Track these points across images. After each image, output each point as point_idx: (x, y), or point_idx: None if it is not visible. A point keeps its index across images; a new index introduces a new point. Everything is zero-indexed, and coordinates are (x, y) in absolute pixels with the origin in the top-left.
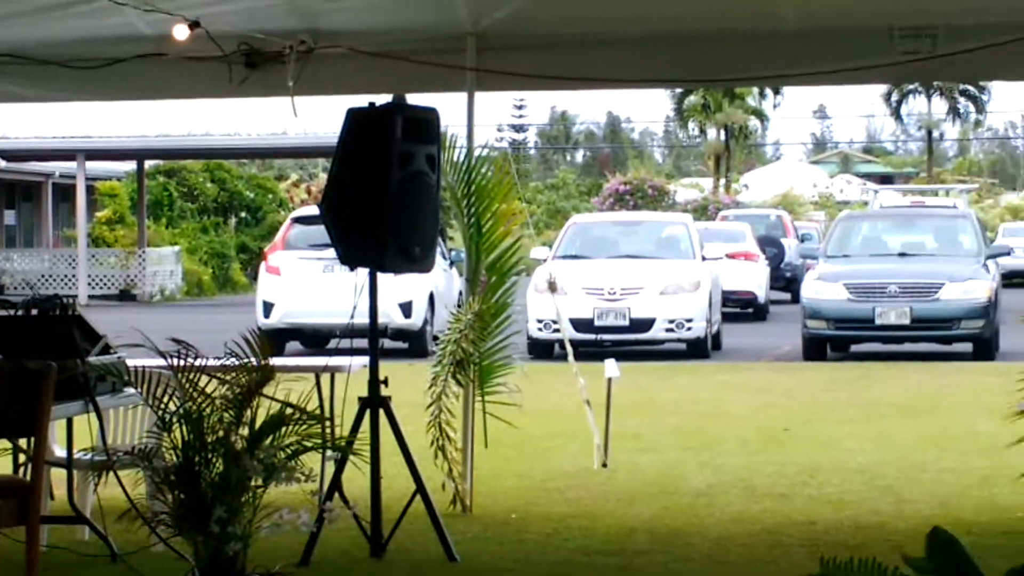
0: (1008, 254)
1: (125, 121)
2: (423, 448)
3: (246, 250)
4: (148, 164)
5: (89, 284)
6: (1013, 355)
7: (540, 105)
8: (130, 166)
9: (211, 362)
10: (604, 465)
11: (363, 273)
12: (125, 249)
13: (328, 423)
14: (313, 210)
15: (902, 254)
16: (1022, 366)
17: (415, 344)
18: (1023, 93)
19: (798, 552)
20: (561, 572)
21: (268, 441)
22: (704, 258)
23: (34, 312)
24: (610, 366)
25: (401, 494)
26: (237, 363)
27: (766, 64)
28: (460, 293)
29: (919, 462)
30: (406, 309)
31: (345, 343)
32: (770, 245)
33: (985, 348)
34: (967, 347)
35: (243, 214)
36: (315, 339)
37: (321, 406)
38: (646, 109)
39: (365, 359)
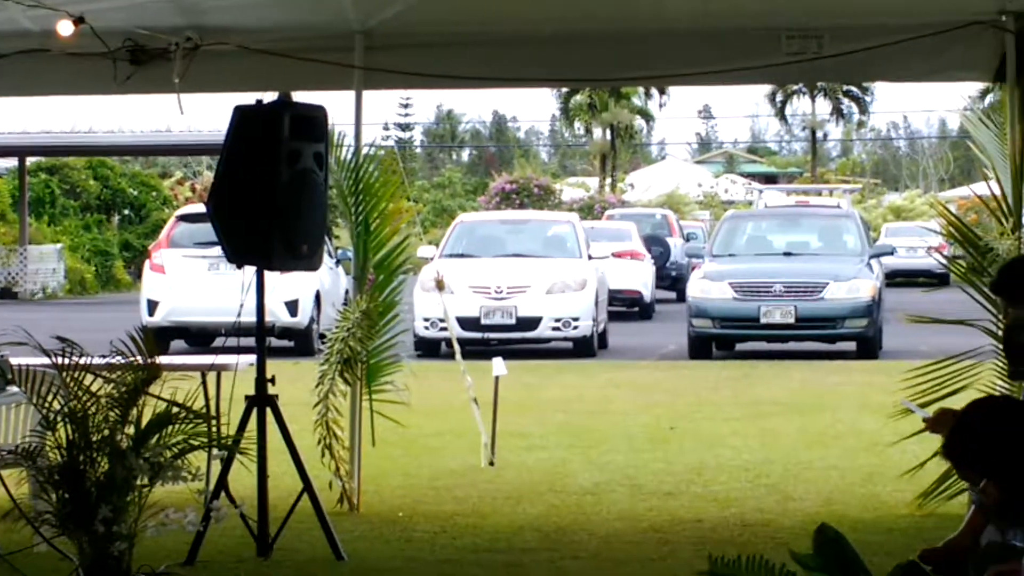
0: (891, 253)
1: (7, 117)
2: (310, 447)
3: (130, 248)
4: (30, 161)
5: None
6: (896, 354)
7: (426, 104)
8: (11, 163)
9: (96, 360)
10: (491, 463)
11: (250, 271)
12: (6, 247)
13: (214, 422)
14: (198, 208)
15: (787, 253)
16: (905, 365)
17: (301, 342)
18: (906, 94)
19: (685, 550)
20: (449, 570)
21: (154, 440)
22: (590, 257)
23: None
24: (497, 364)
25: (288, 493)
26: (123, 361)
27: (652, 64)
28: (347, 291)
29: (804, 460)
30: (292, 307)
31: (231, 341)
32: (656, 244)
33: (869, 347)
34: (851, 346)
35: (127, 212)
36: (201, 337)
37: (207, 405)
38: (532, 108)
39: (252, 357)
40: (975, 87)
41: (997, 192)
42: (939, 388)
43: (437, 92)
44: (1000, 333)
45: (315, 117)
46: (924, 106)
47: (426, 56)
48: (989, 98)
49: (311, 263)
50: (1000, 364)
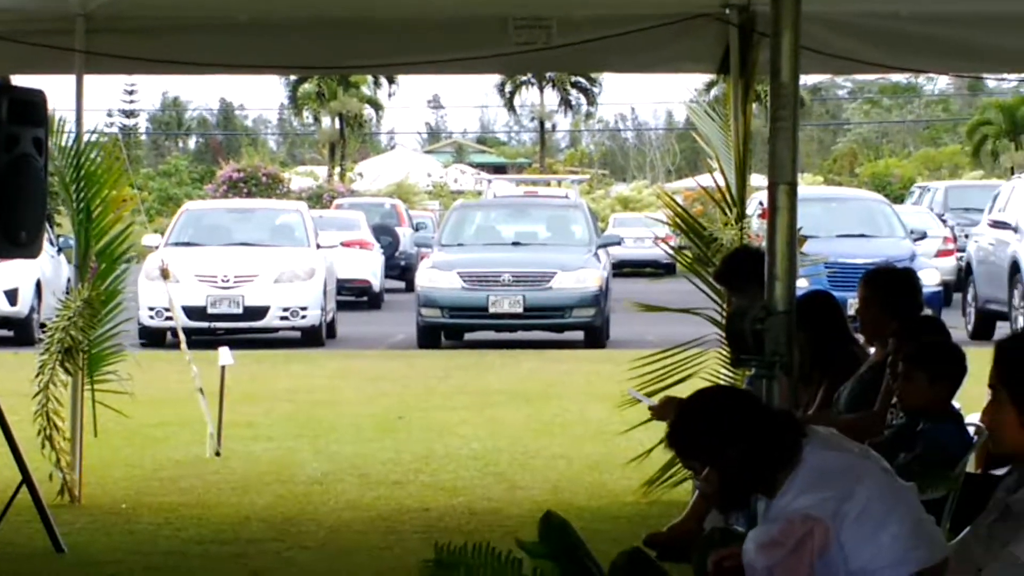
0: (618, 244)
1: None
2: (30, 438)
3: None
4: None
5: None
6: (623, 343)
7: (151, 90)
8: None
9: None
10: (217, 454)
11: None
12: None
13: None
14: None
15: (515, 243)
16: (632, 354)
17: (21, 332)
18: (633, 86)
19: (413, 538)
20: (173, 562)
21: None
22: (319, 246)
23: None
24: (224, 354)
25: (6, 485)
26: None
27: (381, 52)
28: (69, 280)
29: (532, 448)
30: (11, 296)
31: None
32: (384, 234)
33: (596, 336)
34: (579, 335)
35: None
36: None
37: None
38: (260, 96)
39: None
40: (701, 79)
41: (721, 183)
42: (665, 377)
43: (162, 78)
44: (724, 322)
45: (34, 101)
46: (651, 98)
47: (150, 41)
48: (715, 90)
49: (31, 251)
50: (724, 352)
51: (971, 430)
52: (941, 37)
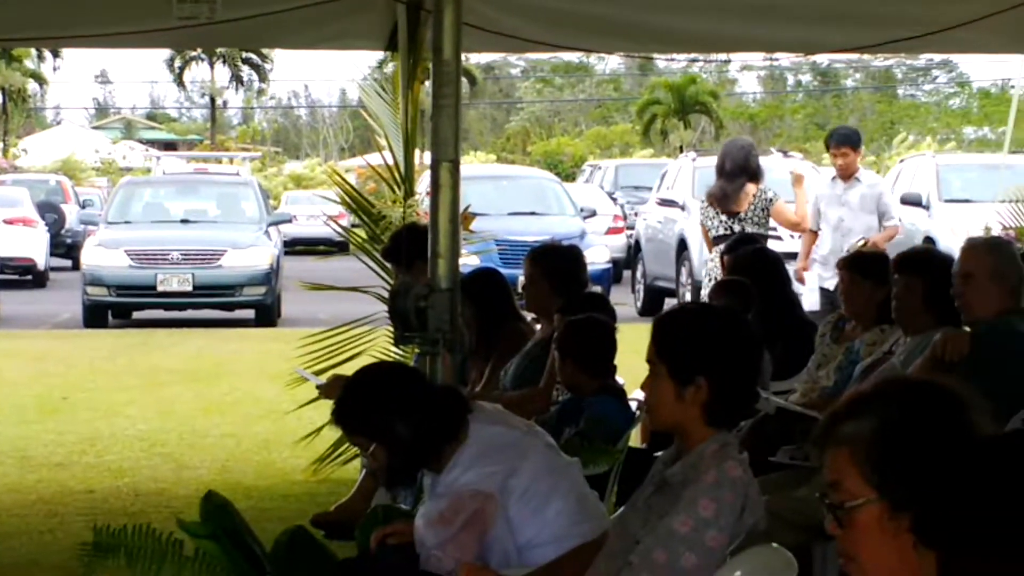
0: (290, 221)
1: None
2: None
3: None
4: None
5: None
6: (295, 321)
7: None
8: None
9: None
10: None
11: None
12: None
13: None
14: None
15: (184, 221)
16: (303, 332)
17: None
18: (307, 62)
19: (75, 521)
20: None
21: None
22: None
23: None
24: None
25: None
26: None
27: (43, 24)
28: None
29: (200, 428)
30: None
31: None
32: (49, 211)
33: (267, 314)
34: (250, 313)
35: None
36: None
37: None
38: None
39: None
40: (376, 56)
41: (391, 161)
42: (334, 355)
43: None
44: None
45: None
46: (325, 75)
47: None
48: (388, 68)
49: None
50: (392, 330)
51: (634, 405)
52: (610, 17)
